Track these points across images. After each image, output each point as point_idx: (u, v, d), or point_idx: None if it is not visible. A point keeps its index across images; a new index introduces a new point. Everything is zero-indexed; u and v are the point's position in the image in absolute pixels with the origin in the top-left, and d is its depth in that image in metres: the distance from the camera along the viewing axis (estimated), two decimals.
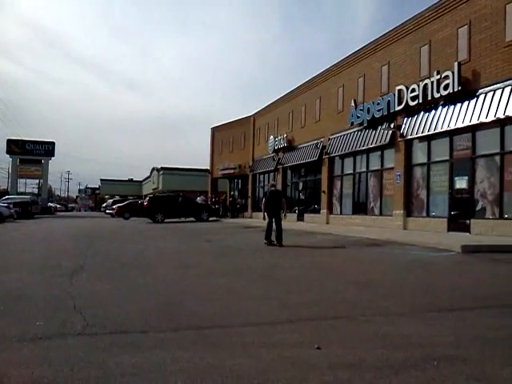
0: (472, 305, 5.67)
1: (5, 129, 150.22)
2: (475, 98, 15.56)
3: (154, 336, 4.20)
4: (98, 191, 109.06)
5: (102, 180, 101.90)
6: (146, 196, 53.10)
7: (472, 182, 15.89)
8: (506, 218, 14.54)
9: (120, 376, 3.17)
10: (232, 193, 44.00)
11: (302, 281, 7.40)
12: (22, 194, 51.93)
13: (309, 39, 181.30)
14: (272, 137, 33.57)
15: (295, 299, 5.91)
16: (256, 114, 38.85)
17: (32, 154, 55.50)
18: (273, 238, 13.72)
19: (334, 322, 4.76)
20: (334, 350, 3.78)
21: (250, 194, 38.72)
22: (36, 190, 59.12)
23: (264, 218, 14.39)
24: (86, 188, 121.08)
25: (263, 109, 37.29)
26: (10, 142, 55.82)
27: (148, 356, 3.60)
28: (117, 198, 61.91)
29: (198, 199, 36.09)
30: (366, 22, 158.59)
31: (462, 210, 16.26)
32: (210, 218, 32.25)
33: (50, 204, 58.11)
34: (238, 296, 6.13)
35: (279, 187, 32.75)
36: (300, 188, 30.90)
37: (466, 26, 16.26)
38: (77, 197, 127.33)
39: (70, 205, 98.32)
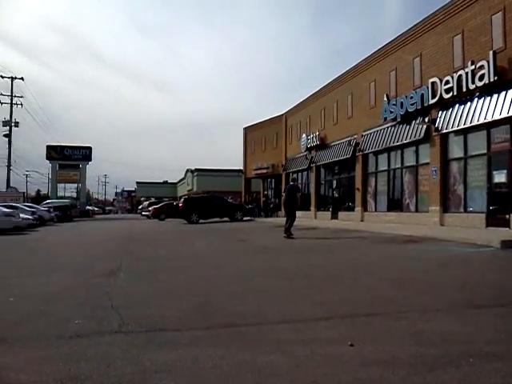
0: (511, 301, 5.52)
1: (45, 136, 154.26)
2: None
3: (188, 334, 4.26)
4: (134, 194, 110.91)
5: (137, 183, 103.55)
6: (180, 197, 53.70)
7: (511, 176, 15.44)
8: None
9: (154, 372, 3.25)
10: (265, 192, 44.05)
11: (336, 279, 7.36)
12: (61, 198, 53.26)
13: (339, 34, 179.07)
14: (304, 135, 33.44)
15: (329, 296, 5.89)
16: (288, 112, 38.78)
17: (70, 159, 56.95)
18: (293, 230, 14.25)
19: (368, 319, 4.73)
20: (368, 347, 3.76)
21: (283, 193, 38.63)
22: (75, 194, 60.52)
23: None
24: (123, 191, 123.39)
25: (295, 107, 37.18)
26: (49, 148, 57.42)
27: (182, 353, 3.67)
28: (152, 199, 62.93)
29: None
30: (397, 14, 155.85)
31: (500, 205, 15.82)
32: (244, 218, 32.39)
33: (88, 207, 59.55)
34: (271, 294, 6.14)
35: (312, 185, 32.75)
36: (334, 186, 30.67)
37: (500, 13, 15.74)
38: (114, 199, 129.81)
39: (107, 207, 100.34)
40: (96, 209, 73.76)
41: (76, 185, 60.15)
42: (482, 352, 3.58)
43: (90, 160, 58.03)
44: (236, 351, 3.70)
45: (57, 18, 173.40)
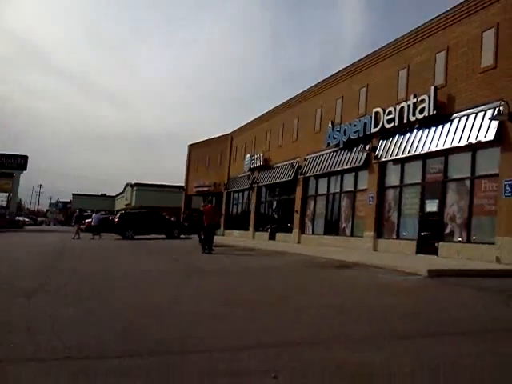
0: (432, 331, 5.66)
1: None
2: (449, 123, 15.76)
3: (107, 363, 4.05)
4: (69, 205, 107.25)
5: (74, 194, 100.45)
6: (118, 211, 52.38)
7: (442, 206, 16.05)
8: (473, 242, 14.68)
9: None
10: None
11: (264, 304, 7.28)
12: None
13: (295, 58, 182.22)
14: (249, 155, 33.56)
15: (257, 324, 5.81)
16: (234, 132, 38.94)
17: (4, 167, 54.12)
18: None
19: (294, 349, 4.68)
20: (290, 380, 3.71)
21: (223, 212, 38.51)
22: (5, 204, 57.66)
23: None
24: (58, 202, 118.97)
25: (241, 127, 37.38)
26: None
27: None
28: (88, 212, 60.89)
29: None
30: (354, 43, 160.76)
31: (431, 233, 16.39)
32: (182, 236, 31.88)
33: (18, 218, 56.80)
34: (198, 321, 5.97)
35: (252, 206, 32.82)
36: (274, 207, 30.89)
37: (443, 52, 16.51)
38: (47, 210, 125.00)
39: (39, 218, 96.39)
40: (27, 220, 70.54)
41: (7, 194, 57.35)
42: None
43: (25, 169, 55.46)
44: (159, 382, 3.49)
45: (10, 25, 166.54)
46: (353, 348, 4.74)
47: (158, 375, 3.73)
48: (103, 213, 40.10)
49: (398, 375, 3.88)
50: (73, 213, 36.36)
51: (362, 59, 21.77)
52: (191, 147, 46.15)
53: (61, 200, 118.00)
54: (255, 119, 34.66)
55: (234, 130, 39.12)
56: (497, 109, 13.75)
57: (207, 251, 18.30)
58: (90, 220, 39.06)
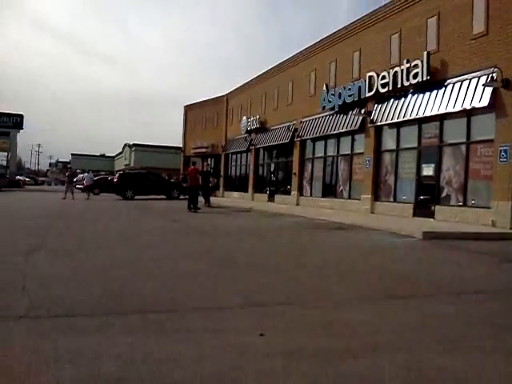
0: (422, 292, 5.77)
1: None
2: (443, 88, 15.68)
3: (97, 320, 4.15)
4: (69, 165, 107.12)
5: (72, 154, 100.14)
6: (117, 172, 52.41)
7: (438, 170, 16.12)
8: (469, 206, 14.82)
9: (54, 362, 3.12)
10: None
11: (260, 265, 7.40)
12: None
13: (292, 21, 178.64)
14: (245, 117, 33.37)
15: (249, 284, 5.93)
16: (229, 93, 38.52)
17: None
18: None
19: (283, 308, 4.79)
20: (277, 338, 3.80)
21: (222, 173, 38.60)
22: (4, 163, 57.57)
23: None
24: (57, 162, 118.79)
25: (236, 89, 36.97)
26: None
27: (87, 341, 3.56)
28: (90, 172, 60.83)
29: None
30: (350, 5, 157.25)
31: (427, 197, 16.54)
32: (181, 196, 32.05)
33: (18, 177, 56.86)
34: (192, 280, 6.10)
35: (251, 168, 32.89)
36: (272, 169, 30.92)
37: (435, 17, 16.30)
38: (47, 170, 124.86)
39: (40, 178, 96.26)
40: (27, 179, 70.56)
41: (6, 153, 57.24)
42: (384, 344, 3.72)
43: (22, 128, 55.12)
44: (144, 340, 3.63)
45: None
46: (340, 308, 4.87)
47: (145, 332, 3.84)
48: (103, 173, 39.85)
49: (383, 333, 4.00)
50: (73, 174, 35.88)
51: (354, 22, 21.45)
52: (187, 108, 45.70)
53: (60, 160, 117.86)
54: (250, 81, 34.31)
55: (229, 91, 38.67)
56: (490, 75, 13.64)
57: (193, 210, 19.52)
58: (80, 180, 39.02)
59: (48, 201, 27.00)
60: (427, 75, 16.08)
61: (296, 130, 25.84)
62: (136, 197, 30.09)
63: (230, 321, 4.30)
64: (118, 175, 33.01)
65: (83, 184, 36.46)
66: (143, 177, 32.37)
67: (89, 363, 3.12)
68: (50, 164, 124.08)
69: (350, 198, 21.29)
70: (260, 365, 3.20)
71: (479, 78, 14.29)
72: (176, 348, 3.47)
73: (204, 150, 41.39)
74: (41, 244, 8.78)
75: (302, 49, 26.50)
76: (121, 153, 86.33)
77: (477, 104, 14.10)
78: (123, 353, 3.32)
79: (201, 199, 21.32)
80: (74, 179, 36.36)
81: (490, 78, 13.58)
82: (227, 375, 3.01)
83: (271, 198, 29.15)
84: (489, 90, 13.76)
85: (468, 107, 14.45)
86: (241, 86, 36.09)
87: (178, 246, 9.38)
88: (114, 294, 5.12)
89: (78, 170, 44.62)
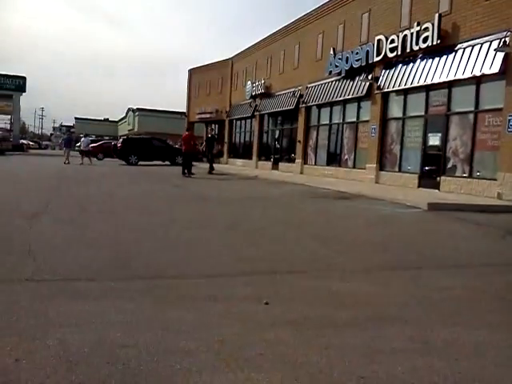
0: (428, 264, 5.75)
1: None
2: (453, 53, 15.24)
3: (102, 285, 4.16)
4: (73, 130, 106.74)
5: (76, 118, 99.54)
6: (121, 136, 52.21)
7: (445, 140, 15.90)
8: (475, 177, 14.67)
9: (58, 326, 3.12)
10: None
11: (265, 233, 7.40)
12: None
13: None
14: (250, 82, 32.88)
15: (253, 252, 5.92)
16: (234, 57, 37.84)
17: (1, 88, 53.34)
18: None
19: (287, 277, 4.78)
20: (281, 306, 3.79)
21: (226, 140, 38.35)
22: (8, 126, 57.29)
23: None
24: (61, 126, 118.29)
25: (241, 52, 36.26)
26: None
27: (91, 306, 3.57)
28: (92, 137, 60.69)
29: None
30: None
31: (433, 167, 16.37)
32: None
33: (22, 141, 56.73)
34: (196, 247, 6.10)
35: (255, 133, 32.62)
36: (276, 136, 30.66)
37: None
38: (51, 134, 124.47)
39: (44, 142, 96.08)
40: (31, 143, 70.45)
41: (9, 117, 56.90)
42: (389, 315, 3.70)
43: (24, 91, 54.55)
44: (148, 306, 3.64)
45: None
46: (345, 278, 4.84)
47: (150, 299, 3.84)
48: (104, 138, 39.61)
49: (389, 304, 4.00)
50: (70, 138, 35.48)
51: None
52: (191, 72, 45.00)
53: (64, 124, 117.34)
54: (255, 44, 33.56)
55: (234, 55, 37.97)
56: (502, 40, 13.25)
57: (187, 175, 19.85)
58: (93, 145, 38.95)
59: (51, 166, 26.96)
60: (437, 39, 15.62)
61: (301, 95, 25.48)
62: (140, 162, 30.04)
63: (236, 288, 4.29)
64: (121, 140, 32.91)
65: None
66: (147, 142, 32.25)
67: (93, 329, 3.12)
68: (54, 128, 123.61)
69: (354, 167, 21.14)
70: (264, 333, 3.18)
71: (491, 42, 13.82)
72: (181, 315, 3.46)
73: (208, 115, 41.02)
74: (44, 210, 8.78)
75: (310, 9, 25.78)
76: (124, 117, 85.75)
77: (487, 70, 13.74)
78: (128, 319, 3.32)
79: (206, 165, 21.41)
80: (77, 144, 36.26)
81: (502, 43, 13.19)
82: (233, 344, 2.98)
83: (275, 166, 29.00)
84: (500, 55, 13.32)
85: (478, 74, 14.08)
86: (246, 49, 35.33)
87: (183, 212, 9.36)
88: (120, 261, 5.12)
89: (81, 135, 44.28)
